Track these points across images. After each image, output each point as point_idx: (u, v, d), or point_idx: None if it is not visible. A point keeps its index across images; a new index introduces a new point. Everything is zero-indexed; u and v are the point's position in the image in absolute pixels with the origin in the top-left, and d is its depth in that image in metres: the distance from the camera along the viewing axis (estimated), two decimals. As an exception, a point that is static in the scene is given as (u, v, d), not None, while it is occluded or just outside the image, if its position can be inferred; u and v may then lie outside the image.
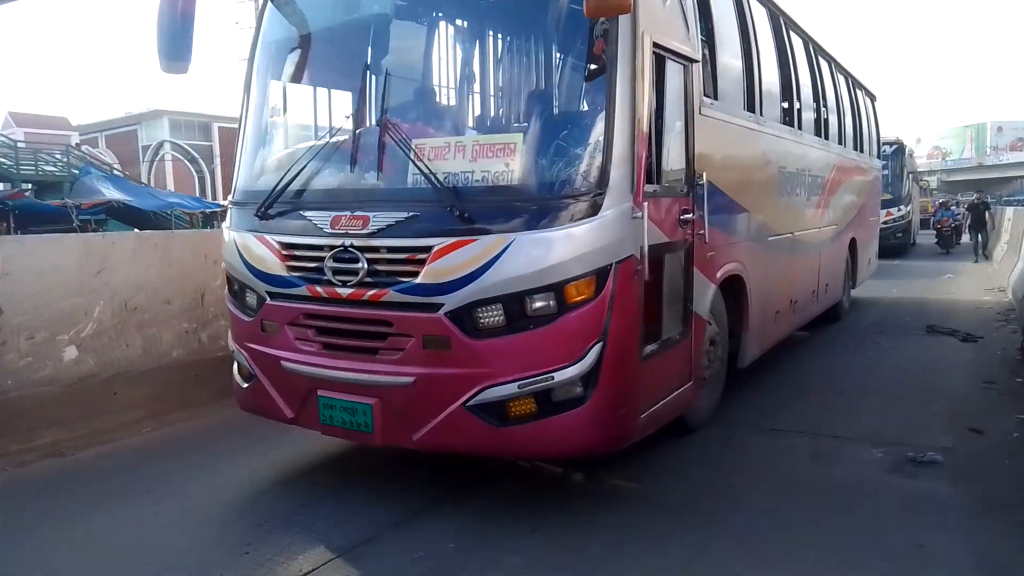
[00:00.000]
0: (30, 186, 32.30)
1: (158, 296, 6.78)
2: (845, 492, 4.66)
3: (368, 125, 4.59)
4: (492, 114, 5.45)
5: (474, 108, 5.65)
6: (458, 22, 5.59)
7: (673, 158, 4.82)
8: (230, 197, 5.08)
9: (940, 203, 28.35)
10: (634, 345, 4.21)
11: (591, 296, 3.94)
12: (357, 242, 4.20)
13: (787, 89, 7.46)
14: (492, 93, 5.50)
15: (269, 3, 5.05)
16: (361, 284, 4.19)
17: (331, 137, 4.62)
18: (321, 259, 4.31)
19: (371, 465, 5.15)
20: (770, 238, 6.86)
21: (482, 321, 3.97)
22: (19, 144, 34.90)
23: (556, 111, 4.64)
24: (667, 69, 4.64)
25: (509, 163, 4.11)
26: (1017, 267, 12.80)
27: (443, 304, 3.98)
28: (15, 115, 48.86)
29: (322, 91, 5.14)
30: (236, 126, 5.23)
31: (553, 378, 3.92)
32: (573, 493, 4.80)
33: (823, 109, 8.85)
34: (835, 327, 10.25)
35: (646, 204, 4.15)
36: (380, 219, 4.17)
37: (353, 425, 4.26)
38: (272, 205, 4.59)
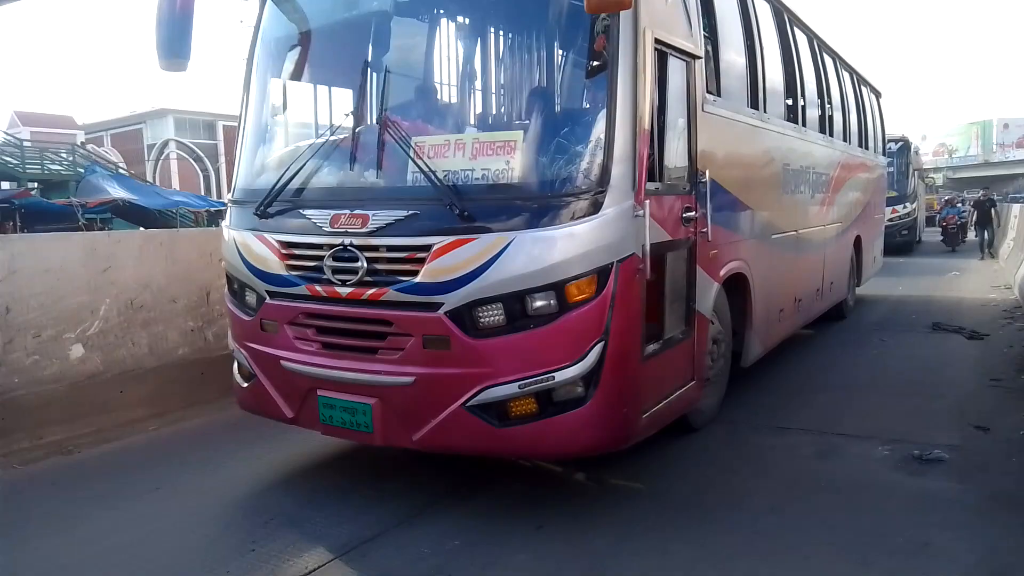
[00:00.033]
0: (36, 185, 32.44)
1: (164, 294, 6.82)
2: (850, 490, 4.64)
3: (367, 123, 4.56)
4: (492, 111, 5.41)
5: (474, 105, 5.62)
6: (458, 19, 5.55)
7: (675, 155, 4.78)
8: (230, 195, 5.06)
9: (946, 200, 28.23)
10: (636, 344, 4.17)
11: (592, 295, 3.91)
12: (356, 241, 4.17)
13: (791, 86, 7.41)
14: (492, 90, 5.46)
15: (268, 0, 5.02)
16: (361, 283, 4.16)
17: (330, 135, 4.59)
18: (320, 258, 4.28)
19: (375, 463, 5.13)
20: (774, 236, 6.82)
21: (482, 320, 3.93)
22: (25, 143, 35.07)
23: (557, 108, 4.60)
24: (669, 65, 4.60)
25: (509, 161, 4.07)
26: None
27: (443, 303, 3.95)
28: (21, 114, 48.96)
29: (322, 89, 5.11)
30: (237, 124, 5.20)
31: (554, 378, 3.89)
32: (577, 491, 4.78)
33: (827, 106, 8.80)
34: (840, 325, 10.21)
35: (648, 202, 4.10)
36: (380, 217, 4.14)
37: (353, 425, 4.24)
38: (271, 204, 4.56)
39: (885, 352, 8.64)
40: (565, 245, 3.90)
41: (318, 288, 4.32)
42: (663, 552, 3.91)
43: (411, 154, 4.19)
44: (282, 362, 4.48)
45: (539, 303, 3.89)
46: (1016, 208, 19.95)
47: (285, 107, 5.12)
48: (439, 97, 5.37)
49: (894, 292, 13.44)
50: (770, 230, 6.71)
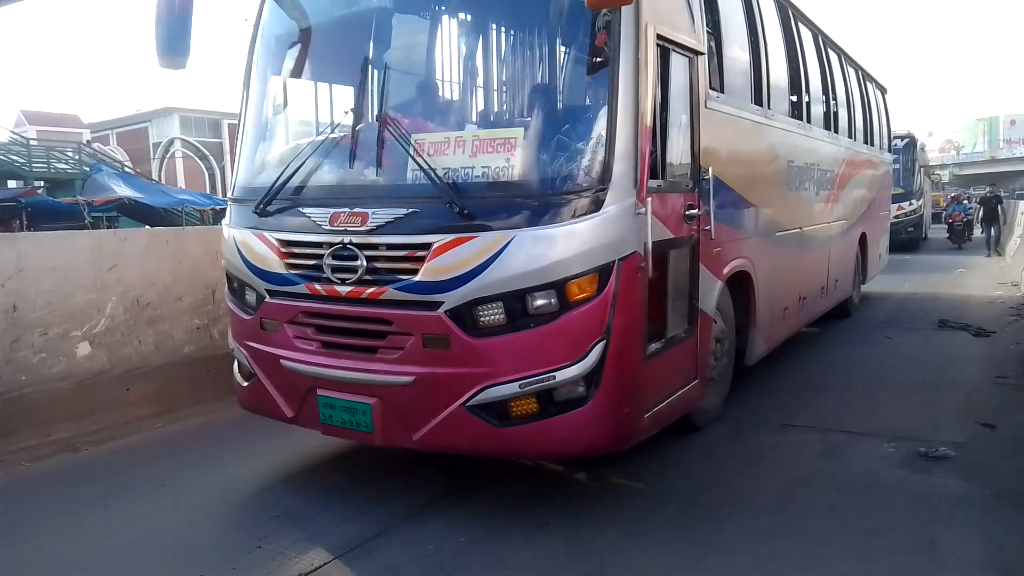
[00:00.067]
0: (42, 184, 32.51)
1: (169, 292, 6.85)
2: (855, 487, 4.63)
3: (367, 120, 4.53)
4: (493, 108, 5.37)
5: (474, 102, 5.58)
6: (458, 15, 5.50)
7: (678, 153, 4.73)
8: (230, 194, 5.03)
9: (952, 197, 28.11)
10: (638, 343, 4.13)
11: (593, 294, 3.87)
12: (356, 239, 4.14)
13: (796, 82, 7.36)
14: (493, 87, 5.42)
15: None
16: (360, 282, 4.13)
17: (330, 133, 4.57)
18: (320, 256, 4.26)
19: (378, 461, 5.11)
20: (778, 233, 6.77)
21: (482, 319, 3.90)
22: (31, 142, 35.13)
23: (558, 105, 4.55)
24: (672, 62, 4.55)
25: (510, 158, 4.04)
26: (1030, 261, 12.68)
27: (443, 302, 3.92)
28: (27, 113, 49.10)
29: (321, 86, 5.08)
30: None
31: (555, 377, 3.85)
32: (580, 489, 4.76)
33: (832, 102, 8.74)
34: (845, 323, 10.16)
35: (650, 200, 4.07)
36: (379, 216, 4.11)
37: (353, 425, 4.21)
38: (271, 202, 4.53)
39: (890, 349, 8.61)
40: (566, 243, 3.86)
41: (317, 287, 4.29)
42: (666, 550, 3.90)
43: (411, 151, 4.17)
44: (282, 361, 4.45)
45: (540, 302, 3.86)
46: (1023, 205, 19.88)
47: (285, 105, 5.09)
48: (439, 94, 5.33)
49: (900, 289, 13.38)
50: (774, 227, 6.67)
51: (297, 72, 4.96)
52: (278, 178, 4.52)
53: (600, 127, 3.99)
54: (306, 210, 4.41)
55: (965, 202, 25.45)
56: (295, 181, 4.51)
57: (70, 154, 34.96)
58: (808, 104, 7.64)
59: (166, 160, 45.00)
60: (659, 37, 4.28)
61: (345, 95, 4.77)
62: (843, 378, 7.38)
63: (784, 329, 7.25)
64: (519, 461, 4.94)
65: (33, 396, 5.75)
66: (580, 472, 4.89)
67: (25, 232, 18.53)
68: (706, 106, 4.98)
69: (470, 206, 3.93)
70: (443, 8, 5.40)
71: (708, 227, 4.94)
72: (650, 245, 4.06)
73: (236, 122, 5.17)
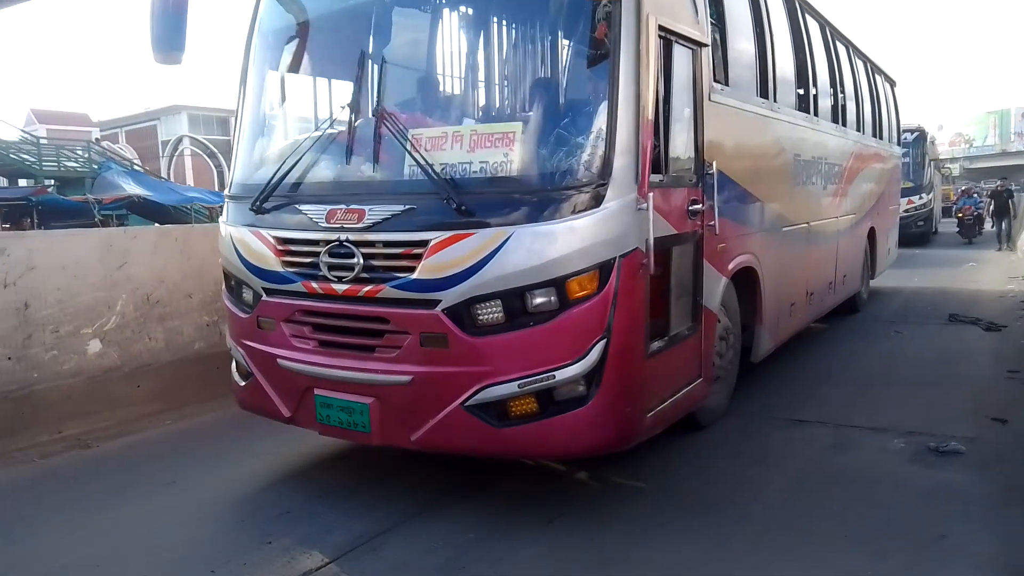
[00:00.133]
0: (52, 182, 32.63)
1: (179, 289, 6.92)
2: (865, 482, 4.60)
3: (364, 116, 4.45)
4: (490, 102, 5.28)
5: (472, 96, 5.47)
6: (456, 7, 5.42)
7: (681, 147, 4.65)
8: (227, 191, 4.98)
9: (962, 191, 27.94)
10: (640, 341, 4.06)
11: (594, 291, 3.80)
12: (353, 236, 4.08)
13: (802, 75, 7.25)
14: (490, 81, 5.32)
15: None
16: (357, 280, 4.07)
17: (327, 128, 4.49)
18: (316, 254, 4.20)
19: (386, 458, 5.08)
20: (784, 228, 6.68)
21: (481, 318, 3.84)
22: (41, 141, 35.25)
23: (557, 98, 4.45)
24: (674, 53, 4.46)
25: (508, 153, 3.97)
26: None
27: (440, 300, 3.85)
28: (37, 112, 49.18)
29: (318, 81, 4.99)
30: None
31: (554, 377, 3.78)
32: (587, 487, 4.72)
33: (840, 95, 8.63)
34: (853, 319, 10.07)
35: (651, 195, 3.99)
36: (376, 212, 4.04)
37: (350, 425, 4.16)
38: (267, 199, 4.48)
39: (900, 344, 8.54)
40: (565, 240, 3.79)
41: (314, 285, 4.23)
42: (675, 545, 3.88)
43: (408, 147, 4.10)
44: (279, 360, 4.40)
45: (539, 300, 3.79)
46: (1034, 198, 19.76)
47: (282, 100, 5.04)
48: (436, 88, 5.25)
49: (909, 284, 13.28)
50: (780, 222, 6.57)
51: (294, 67, 4.91)
52: (274, 175, 4.46)
53: (600, 121, 3.91)
54: (303, 207, 4.35)
55: (976, 196, 25.28)
56: (292, 178, 4.46)
57: (80, 152, 35.08)
58: (815, 97, 7.53)
59: (175, 158, 45.06)
60: (661, 28, 4.19)
61: (342, 90, 4.70)
62: (852, 373, 7.31)
63: (791, 325, 7.16)
64: (522, 460, 4.88)
65: (44, 393, 5.83)
66: (584, 470, 4.84)
67: (36, 230, 18.60)
68: (710, 99, 4.89)
69: (468, 202, 3.86)
70: (441, 1, 5.33)
71: (712, 222, 4.85)
72: (652, 241, 3.98)
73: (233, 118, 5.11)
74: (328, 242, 4.15)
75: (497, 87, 5.22)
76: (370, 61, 4.56)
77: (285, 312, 4.39)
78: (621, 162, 3.87)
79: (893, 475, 4.69)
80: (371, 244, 4.05)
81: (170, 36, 4.39)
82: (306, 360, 4.29)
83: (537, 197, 3.88)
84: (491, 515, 4.25)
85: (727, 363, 5.68)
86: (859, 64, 9.95)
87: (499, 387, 3.82)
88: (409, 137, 4.13)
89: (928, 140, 23.48)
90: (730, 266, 5.33)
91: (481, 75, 5.31)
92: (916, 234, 20.76)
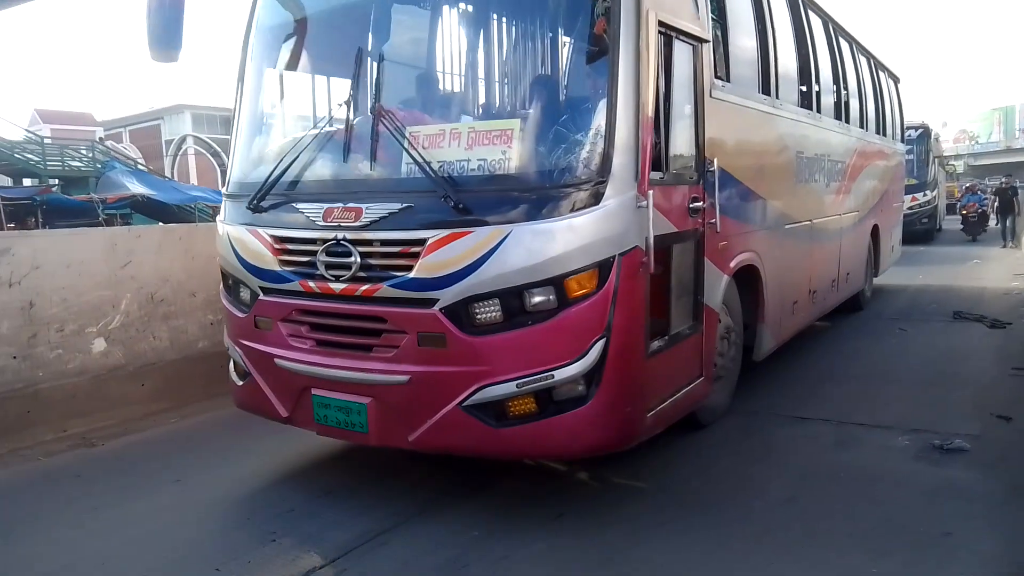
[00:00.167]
0: (56, 181, 32.63)
1: (183, 288, 6.96)
2: (869, 480, 4.58)
3: (361, 113, 4.41)
4: (488, 99, 5.23)
5: (470, 93, 5.45)
6: (455, 3, 5.37)
7: (681, 144, 4.60)
8: (224, 189, 4.95)
9: (967, 188, 27.83)
10: (640, 340, 4.01)
11: (593, 290, 3.76)
12: (350, 235, 4.05)
13: (805, 71, 7.19)
14: (488, 77, 5.28)
15: None
16: (354, 279, 4.04)
17: (324, 126, 4.47)
18: (314, 253, 4.17)
19: (390, 456, 5.06)
20: (787, 226, 6.63)
21: (478, 317, 3.80)
22: (46, 140, 35.27)
23: (555, 95, 4.42)
24: (674, 49, 4.42)
25: (506, 150, 3.92)
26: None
27: (438, 299, 3.82)
28: (41, 112, 49.29)
29: (315, 79, 4.95)
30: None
31: (553, 376, 3.75)
32: (589, 485, 4.69)
33: (843, 92, 8.57)
34: (857, 316, 10.03)
35: (651, 192, 3.94)
36: (373, 211, 4.01)
37: (347, 425, 4.13)
38: (264, 197, 4.45)
39: (904, 342, 8.50)
40: (564, 238, 3.75)
41: (311, 284, 4.20)
42: (676, 545, 3.86)
43: (405, 145, 4.07)
44: (276, 360, 4.37)
45: (537, 299, 3.75)
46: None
47: (280, 98, 5.01)
48: (434, 85, 5.22)
49: (913, 282, 13.22)
50: (783, 220, 6.53)
51: (292, 64, 4.88)
52: (271, 173, 4.43)
53: (599, 118, 3.87)
54: (300, 205, 4.32)
55: (980, 193, 25.18)
56: (289, 176, 4.43)
57: (84, 152, 35.06)
58: (818, 93, 7.47)
59: (178, 157, 45.10)
60: (661, 24, 4.15)
61: (339, 87, 4.67)
62: (855, 371, 7.27)
63: (794, 324, 7.11)
64: (521, 461, 4.85)
65: (50, 391, 5.88)
66: (584, 470, 4.81)
67: (40, 230, 18.62)
68: (711, 96, 4.85)
69: (466, 200, 3.83)
70: None
71: (713, 220, 4.81)
72: (652, 239, 3.94)
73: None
74: (325, 241, 4.12)
75: (495, 84, 5.18)
76: (367, 58, 4.52)
77: (282, 311, 4.36)
78: (620, 159, 3.82)
79: (897, 473, 4.67)
80: (368, 243, 4.02)
81: (167, 33, 4.36)
82: (303, 360, 4.26)
83: (535, 195, 3.84)
84: (496, 513, 4.25)
85: (729, 362, 5.64)
86: (862, 60, 9.88)
87: (497, 387, 3.78)
88: (407, 135, 4.10)
89: (932, 137, 23.44)
90: (732, 264, 5.29)
91: (479, 72, 5.27)
92: (920, 231, 20.71)
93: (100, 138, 43.08)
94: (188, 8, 4.37)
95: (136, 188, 26.46)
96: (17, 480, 5.05)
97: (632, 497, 4.46)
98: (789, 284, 6.78)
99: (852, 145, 9.00)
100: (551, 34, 4.47)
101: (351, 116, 4.38)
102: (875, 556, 3.64)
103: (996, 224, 21.91)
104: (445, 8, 5.32)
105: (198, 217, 26.05)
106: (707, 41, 4.79)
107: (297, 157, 4.40)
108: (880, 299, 11.31)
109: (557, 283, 3.73)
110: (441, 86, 5.34)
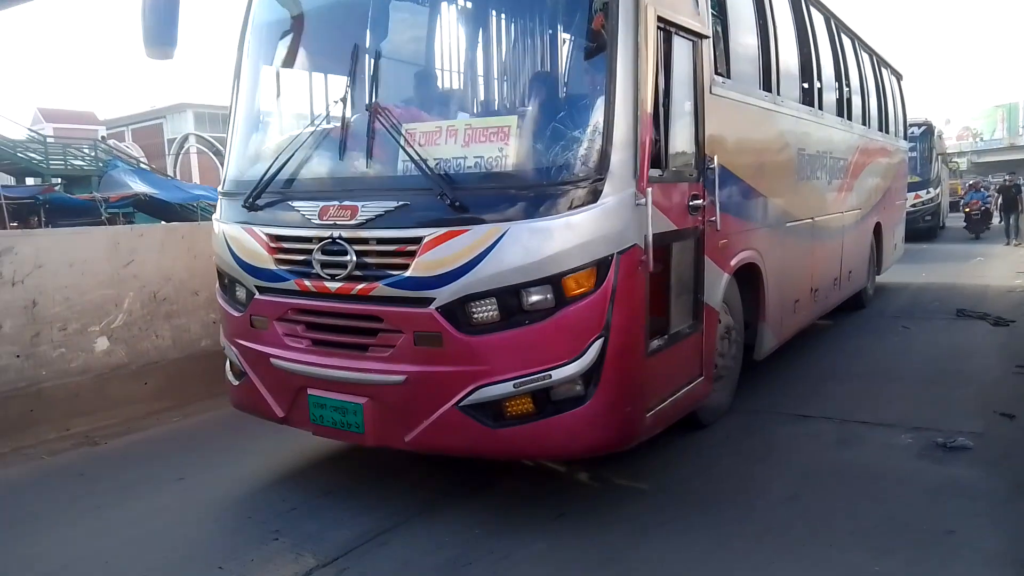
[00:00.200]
0: (59, 180, 32.66)
1: (186, 287, 6.97)
2: (872, 478, 4.56)
3: (357, 110, 4.37)
4: (485, 96, 5.21)
5: (467, 90, 5.40)
6: (452, 0, 5.34)
7: (681, 141, 4.55)
8: (220, 187, 4.91)
9: (970, 185, 27.75)
10: (639, 339, 3.97)
11: (591, 288, 3.71)
12: (345, 233, 4.01)
13: (807, 68, 7.14)
14: (485, 74, 5.24)
15: None
16: (350, 277, 4.00)
17: (320, 124, 4.42)
18: (309, 251, 4.13)
19: (390, 455, 5.00)
20: (788, 224, 6.58)
21: (475, 316, 3.76)
22: (48, 139, 35.32)
23: (553, 91, 4.35)
24: (674, 45, 4.36)
25: (503, 148, 3.88)
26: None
27: (434, 298, 3.77)
28: (44, 111, 49.36)
29: (312, 76, 4.91)
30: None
31: (550, 376, 3.70)
32: (591, 485, 4.66)
33: (845, 89, 8.52)
34: (860, 315, 9.98)
35: (650, 190, 3.89)
36: (369, 209, 3.97)
37: (343, 425, 4.09)
38: (260, 195, 4.41)
39: (907, 340, 8.46)
40: (562, 236, 3.70)
41: (307, 283, 4.17)
42: (676, 545, 3.83)
43: (401, 142, 4.02)
44: (272, 360, 4.33)
45: (535, 298, 3.71)
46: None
47: (276, 95, 4.96)
48: (430, 82, 5.17)
49: (916, 279, 13.17)
50: (784, 218, 6.48)
51: (288, 62, 4.83)
52: (267, 171, 4.39)
53: (598, 114, 3.82)
54: (296, 204, 4.28)
55: (983, 190, 25.09)
56: (284, 174, 4.38)
57: (86, 151, 35.12)
58: (820, 90, 7.42)
59: (181, 156, 45.13)
60: (660, 19, 4.10)
61: (336, 84, 4.63)
62: (858, 369, 7.23)
63: (795, 322, 7.06)
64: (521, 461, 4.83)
65: (52, 390, 5.89)
66: (584, 470, 4.78)
67: (43, 228, 18.65)
68: (711, 92, 4.80)
69: (462, 198, 3.78)
70: None
71: (713, 218, 4.77)
72: (651, 237, 3.89)
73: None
74: (321, 239, 4.08)
75: (492, 80, 5.14)
76: (363, 55, 4.47)
77: (278, 311, 4.32)
78: (619, 156, 3.78)
79: (899, 471, 4.64)
80: (364, 241, 3.98)
81: (162, 30, 4.33)
82: (299, 359, 4.22)
83: (533, 192, 3.80)
84: (497, 512, 4.23)
85: (729, 361, 5.60)
86: (865, 57, 9.83)
87: (494, 387, 3.74)
88: (403, 132, 4.06)
89: (935, 134, 23.38)
90: (732, 262, 5.24)
91: (476, 68, 5.22)
92: (923, 229, 20.67)
93: (102, 137, 43.18)
94: (183, 5, 4.34)
95: (139, 187, 26.48)
96: (20, 479, 5.05)
97: (632, 497, 4.43)
98: (791, 282, 6.73)
99: (854, 142, 8.95)
100: (549, 29, 4.43)
101: (347, 113, 4.34)
102: (877, 554, 3.62)
103: (999, 222, 21.85)
104: (441, 4, 5.29)
105: (200, 216, 26.00)
106: (707, 37, 4.75)
107: (293, 155, 4.36)
108: (883, 297, 11.26)
109: (555, 282, 3.69)
110: (438, 83, 5.29)
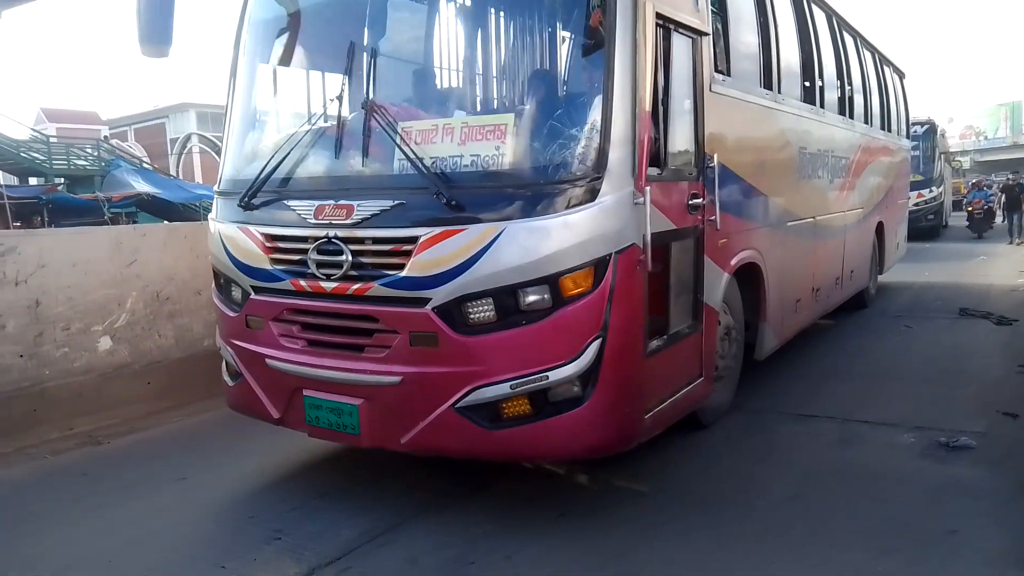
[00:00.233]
0: (62, 180, 32.68)
1: (188, 287, 6.99)
2: (874, 477, 4.54)
3: (353, 109, 4.34)
4: (482, 94, 5.17)
5: (463, 88, 5.36)
6: (450, -2, 5.32)
7: (680, 139, 4.51)
8: (216, 186, 4.88)
9: (973, 184, 27.68)
10: (637, 340, 3.93)
11: (589, 288, 3.67)
12: (341, 233, 3.97)
13: (808, 65, 7.09)
14: (482, 72, 5.21)
15: None
16: (346, 277, 3.96)
17: (316, 122, 4.39)
18: (305, 251, 4.09)
19: (391, 455, 4.99)
20: (789, 223, 6.54)
21: (472, 316, 3.72)
22: (51, 139, 35.34)
23: (550, 89, 4.32)
24: (673, 42, 4.33)
25: (500, 146, 3.85)
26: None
27: (430, 298, 3.74)
28: (47, 111, 49.32)
29: (308, 74, 4.88)
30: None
31: (548, 377, 3.66)
32: (593, 485, 4.64)
33: (847, 87, 8.47)
34: (862, 314, 9.94)
35: (649, 189, 3.85)
36: (365, 208, 3.93)
37: (339, 426, 4.05)
38: (256, 194, 4.37)
39: (909, 339, 8.43)
40: (559, 235, 3.66)
41: (302, 283, 4.13)
42: (676, 545, 3.82)
43: (397, 141, 3.99)
44: (267, 360, 4.30)
45: (532, 298, 3.67)
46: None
47: (272, 94, 4.92)
48: (427, 80, 5.13)
49: (919, 279, 13.12)
50: (785, 217, 6.44)
51: (284, 60, 4.79)
52: (263, 170, 4.35)
53: (595, 112, 3.78)
54: (291, 203, 4.24)
55: (986, 189, 25.03)
56: (280, 173, 4.35)
57: (89, 151, 35.14)
58: (821, 88, 7.37)
59: (183, 155, 45.13)
60: (659, 16, 4.06)
61: (332, 83, 4.60)
62: (860, 369, 7.20)
63: (797, 322, 7.02)
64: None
65: (55, 390, 5.91)
66: (586, 471, 4.75)
67: (46, 228, 18.66)
68: (711, 90, 4.76)
69: (459, 197, 3.74)
70: None
71: (713, 217, 4.73)
72: (649, 237, 3.85)
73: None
74: (316, 239, 4.05)
75: (489, 78, 5.10)
76: (360, 53, 4.44)
77: (273, 311, 4.29)
78: (617, 155, 3.73)
79: (901, 470, 4.62)
80: (360, 241, 3.94)
81: (157, 28, 4.28)
82: (295, 360, 4.19)
83: (530, 191, 3.76)
84: (500, 511, 4.22)
85: (730, 361, 5.56)
86: (867, 55, 9.78)
87: (491, 388, 3.70)
88: (399, 130, 4.02)
89: (938, 133, 23.35)
90: (732, 262, 5.20)
91: (473, 66, 5.19)
92: (926, 228, 20.63)
93: (105, 137, 43.14)
94: (178, 3, 4.29)
95: (141, 187, 26.46)
96: (24, 478, 5.06)
97: (632, 498, 4.41)
98: (792, 282, 6.69)
99: (856, 141, 8.90)
100: (546, 26, 4.40)
101: (343, 112, 4.30)
102: (879, 554, 3.60)
103: (1002, 221, 21.83)
104: (438, 1, 5.24)
105: (203, 215, 25.99)
106: (707, 34, 4.71)
107: (289, 153, 4.33)
108: (885, 296, 11.22)
109: (552, 282, 3.65)
110: (434, 81, 5.25)
